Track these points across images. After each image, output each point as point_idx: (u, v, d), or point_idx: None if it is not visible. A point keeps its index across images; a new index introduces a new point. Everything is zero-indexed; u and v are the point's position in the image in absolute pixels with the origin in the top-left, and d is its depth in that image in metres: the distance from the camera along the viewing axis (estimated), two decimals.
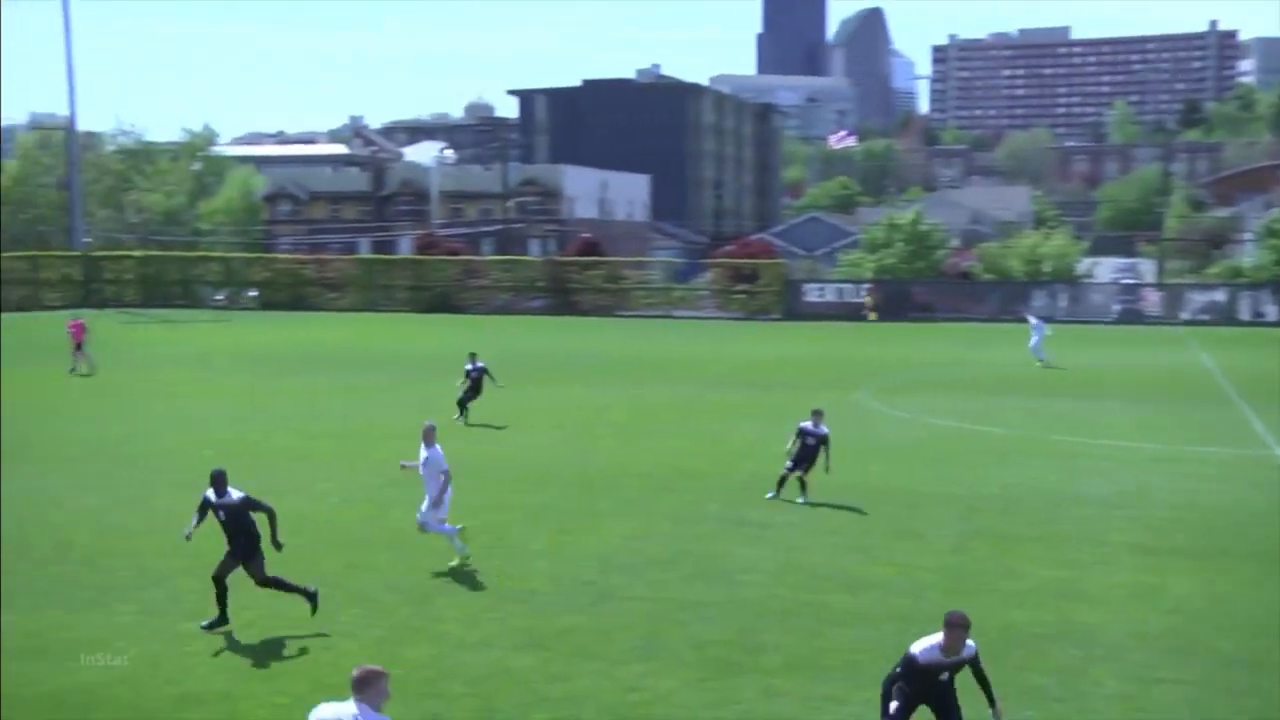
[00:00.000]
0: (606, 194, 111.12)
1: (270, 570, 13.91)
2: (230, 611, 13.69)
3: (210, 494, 13.62)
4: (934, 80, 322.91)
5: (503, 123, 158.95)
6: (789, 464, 20.09)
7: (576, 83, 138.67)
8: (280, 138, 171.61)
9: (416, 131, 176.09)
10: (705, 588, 15.35)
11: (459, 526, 16.60)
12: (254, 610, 14.25)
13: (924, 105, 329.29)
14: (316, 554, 16.77)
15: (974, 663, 9.40)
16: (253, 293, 75.40)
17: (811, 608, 14.53)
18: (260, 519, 13.71)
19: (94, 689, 11.84)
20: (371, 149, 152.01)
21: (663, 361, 43.11)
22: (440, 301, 70.81)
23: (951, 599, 14.20)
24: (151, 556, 16.71)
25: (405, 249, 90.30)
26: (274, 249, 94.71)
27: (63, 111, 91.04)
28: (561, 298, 70.18)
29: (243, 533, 13.65)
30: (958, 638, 9.19)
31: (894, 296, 65.41)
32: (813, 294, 67.60)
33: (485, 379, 29.46)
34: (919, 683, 9.25)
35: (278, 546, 13.86)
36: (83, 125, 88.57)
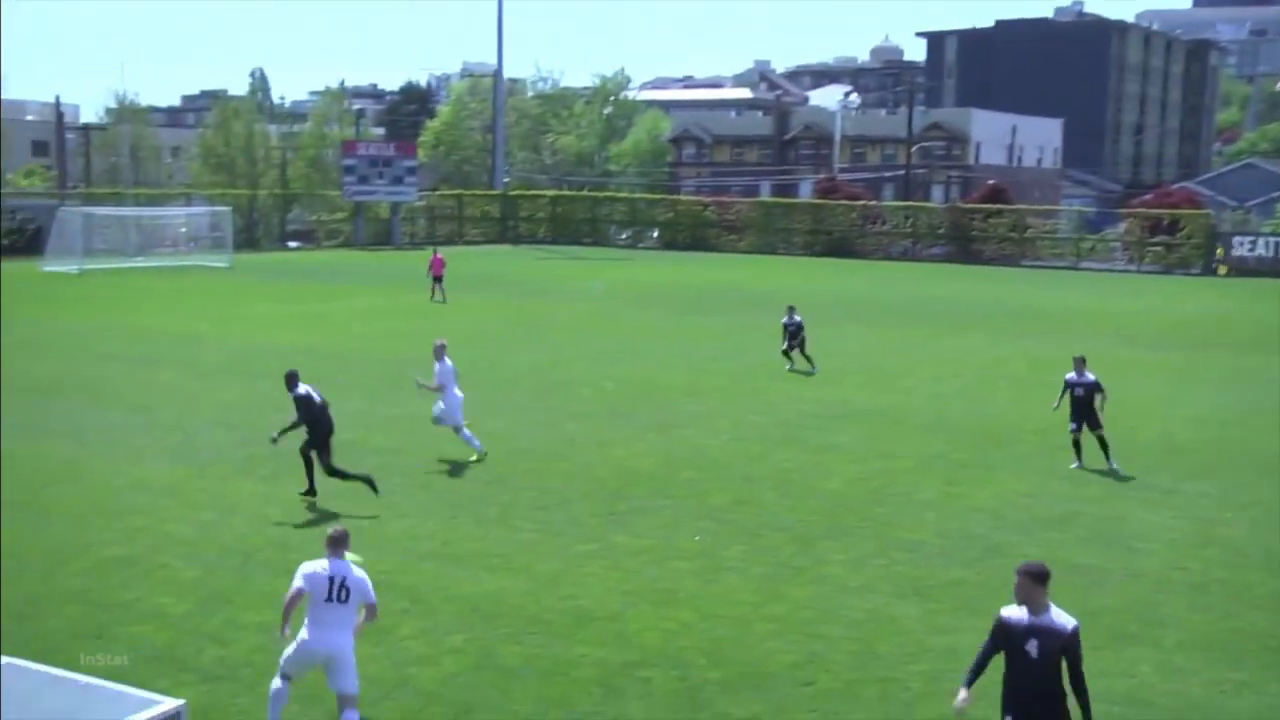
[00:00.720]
0: (1015, 139, 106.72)
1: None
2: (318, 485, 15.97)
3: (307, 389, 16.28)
4: None
5: (910, 66, 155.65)
6: (1071, 425, 18.74)
7: (989, 23, 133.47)
8: (687, 82, 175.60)
9: (821, 75, 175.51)
10: (1100, 552, 14.56)
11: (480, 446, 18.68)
12: (649, 539, 14.82)
13: None
14: (706, 488, 17.21)
15: (1070, 649, 7.82)
16: (655, 233, 77.98)
17: (1225, 585, 13.47)
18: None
19: (502, 597, 12.70)
20: (776, 93, 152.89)
21: (1068, 314, 41.09)
22: (839, 246, 70.56)
23: None
24: (554, 479, 17.70)
25: (806, 193, 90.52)
26: (677, 191, 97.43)
27: (491, 61, 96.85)
28: (963, 245, 68.24)
29: (317, 424, 16.10)
30: (1024, 589, 7.88)
31: None
32: (1242, 247, 62.26)
33: (803, 332, 28.11)
34: (1006, 651, 7.98)
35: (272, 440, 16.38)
36: (508, 73, 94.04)
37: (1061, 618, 7.90)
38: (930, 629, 11.99)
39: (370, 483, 16.16)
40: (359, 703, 9.22)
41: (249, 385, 24.80)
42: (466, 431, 18.87)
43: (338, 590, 9.06)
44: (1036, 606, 7.92)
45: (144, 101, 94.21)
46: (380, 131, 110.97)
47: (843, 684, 10.66)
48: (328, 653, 9.12)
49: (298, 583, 9.12)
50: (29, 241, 63.99)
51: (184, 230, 67.68)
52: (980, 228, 68.28)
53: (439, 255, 44.61)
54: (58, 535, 14.66)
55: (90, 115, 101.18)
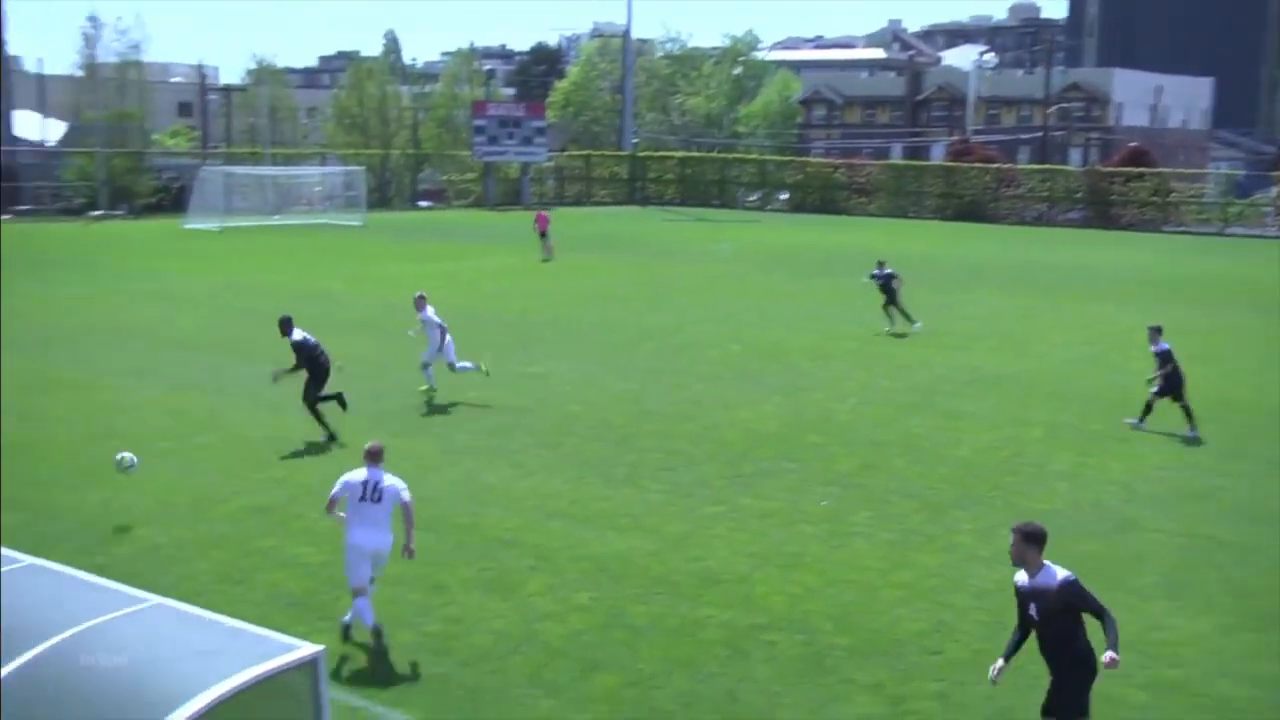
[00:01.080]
0: (1160, 99, 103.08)
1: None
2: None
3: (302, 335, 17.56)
4: None
5: (1049, 24, 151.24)
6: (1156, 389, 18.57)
7: None
8: (818, 42, 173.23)
9: (955, 35, 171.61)
10: (1247, 529, 14.08)
11: (476, 364, 20.49)
12: (775, 501, 14.77)
13: None
14: (833, 452, 17.08)
15: (1068, 602, 7.70)
16: (784, 195, 77.32)
17: None
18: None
19: (629, 556, 12.79)
20: (909, 53, 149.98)
21: (1211, 281, 39.68)
22: (970, 210, 69.13)
23: None
24: (680, 440, 17.72)
25: (938, 155, 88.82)
26: (807, 152, 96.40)
27: (621, 21, 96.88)
28: (1101, 210, 66.29)
29: (315, 365, 17.47)
30: (1016, 549, 7.90)
31: None
32: None
33: (895, 284, 27.56)
34: (1018, 615, 8.11)
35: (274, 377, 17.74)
36: (636, 34, 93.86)
37: (1050, 576, 7.84)
38: None
39: (340, 400, 17.89)
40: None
41: (381, 342, 25.30)
42: (430, 371, 20.33)
43: (371, 491, 10.48)
44: (1031, 567, 7.92)
45: (281, 63, 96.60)
46: (510, 92, 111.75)
47: (971, 654, 10.50)
48: (373, 549, 10.50)
49: (335, 489, 10.66)
50: (174, 200, 66.03)
51: (319, 189, 69.16)
52: (1120, 192, 66.22)
53: (544, 214, 46.49)
54: (202, 483, 15.17)
55: (231, 77, 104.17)
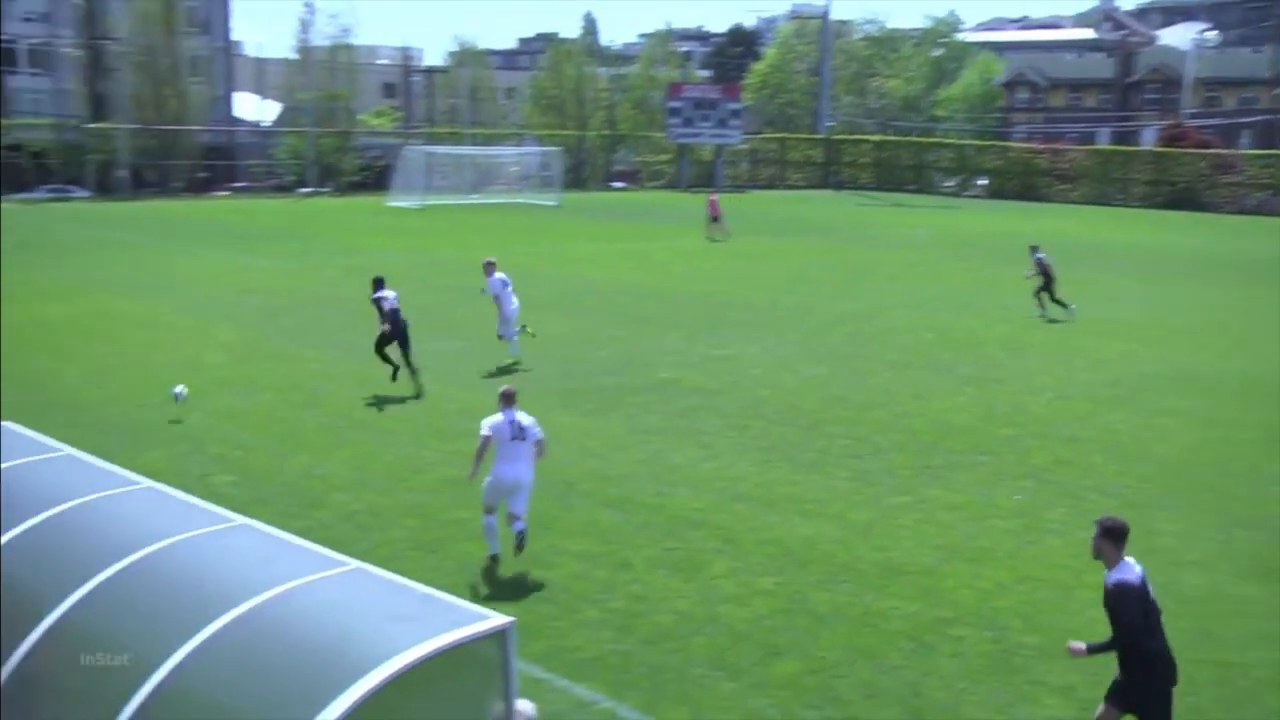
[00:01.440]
0: None
1: None
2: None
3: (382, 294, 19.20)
4: None
5: None
6: None
7: None
8: (1023, 23, 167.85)
9: (1173, 12, 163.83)
10: None
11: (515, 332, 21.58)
12: (965, 494, 14.44)
13: None
14: (1027, 446, 16.59)
15: (1107, 606, 7.84)
16: (983, 180, 75.39)
17: None
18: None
19: (814, 543, 12.68)
20: (1121, 33, 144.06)
21: None
22: (1183, 198, 66.16)
23: None
24: (868, 428, 17.47)
25: (1148, 140, 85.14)
26: (1008, 137, 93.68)
27: (819, 2, 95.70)
28: None
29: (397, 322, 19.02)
30: (1095, 544, 7.95)
31: None
32: None
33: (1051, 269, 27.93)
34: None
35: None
36: (835, 15, 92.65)
37: (1110, 574, 7.79)
38: (1276, 614, 11.13)
39: (394, 373, 19.11)
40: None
41: (573, 320, 25.67)
42: (514, 338, 21.16)
43: (516, 431, 11.65)
44: (1109, 562, 7.85)
45: (482, 45, 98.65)
46: (706, 74, 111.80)
47: None
48: (514, 481, 11.71)
49: (485, 432, 11.65)
50: (377, 178, 68.33)
51: (515, 169, 70.59)
52: None
53: (714, 197, 47.88)
54: (398, 454, 15.66)
55: (434, 59, 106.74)
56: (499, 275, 21.49)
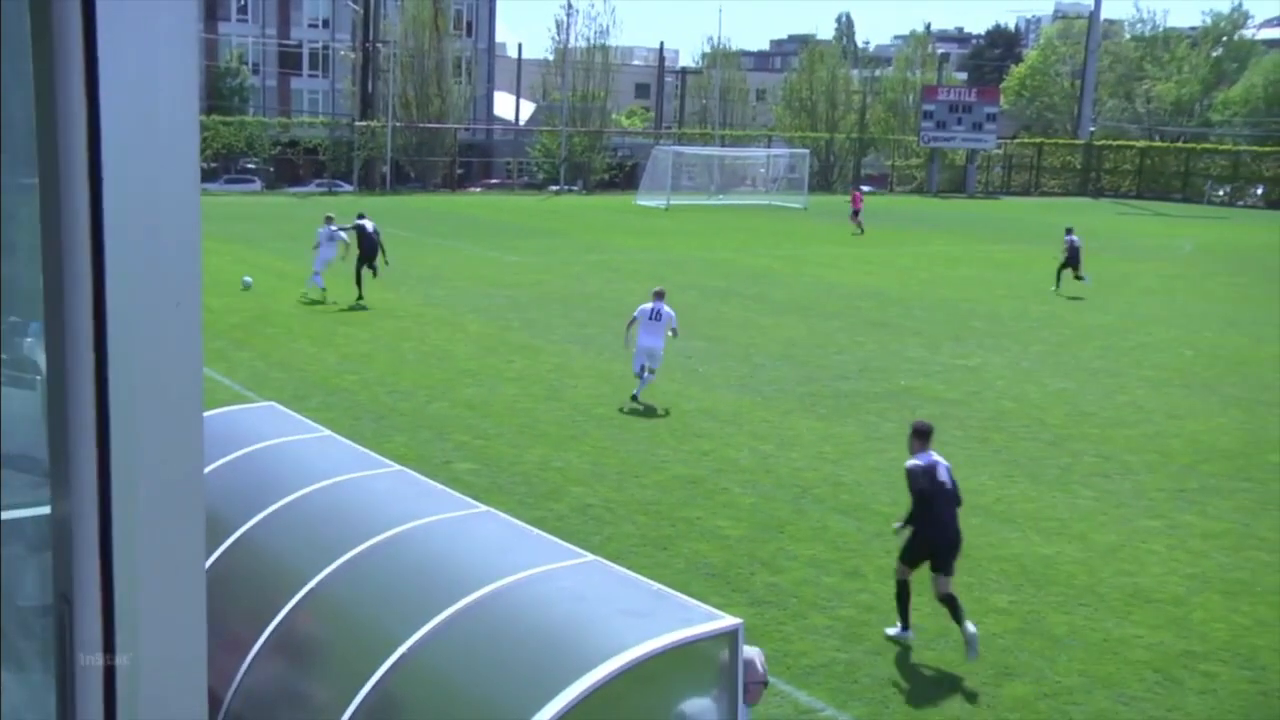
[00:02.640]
0: None
1: None
2: None
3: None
4: None
5: None
6: None
7: None
8: None
9: None
10: None
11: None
12: (1223, 522, 13.69)
13: None
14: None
15: None
16: (1260, 189, 71.05)
17: None
18: None
19: (1053, 562, 12.25)
20: None
21: None
22: None
23: None
24: (1117, 446, 16.75)
25: None
26: None
27: (1087, 3, 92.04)
28: None
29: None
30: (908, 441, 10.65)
31: None
32: None
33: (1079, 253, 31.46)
34: None
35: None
36: (1104, 14, 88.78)
37: None
38: None
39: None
40: None
41: (814, 324, 25.52)
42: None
43: (653, 314, 17.92)
44: (912, 452, 10.48)
45: (735, 46, 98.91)
46: (963, 76, 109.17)
47: None
48: (649, 348, 17.91)
49: (634, 314, 18.33)
50: (626, 177, 69.53)
51: (763, 171, 70.60)
52: None
53: (859, 192, 51.13)
54: (633, 449, 15.92)
55: (687, 60, 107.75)
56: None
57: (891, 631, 10.36)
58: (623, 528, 12.97)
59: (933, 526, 10.02)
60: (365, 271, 26.27)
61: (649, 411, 17.94)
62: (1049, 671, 9.87)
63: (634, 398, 18.05)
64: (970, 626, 9.82)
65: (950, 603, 9.98)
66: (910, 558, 10.20)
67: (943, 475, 10.16)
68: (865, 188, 53.94)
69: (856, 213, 47.81)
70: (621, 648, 5.60)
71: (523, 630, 6.18)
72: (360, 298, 26.23)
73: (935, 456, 10.26)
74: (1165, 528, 13.44)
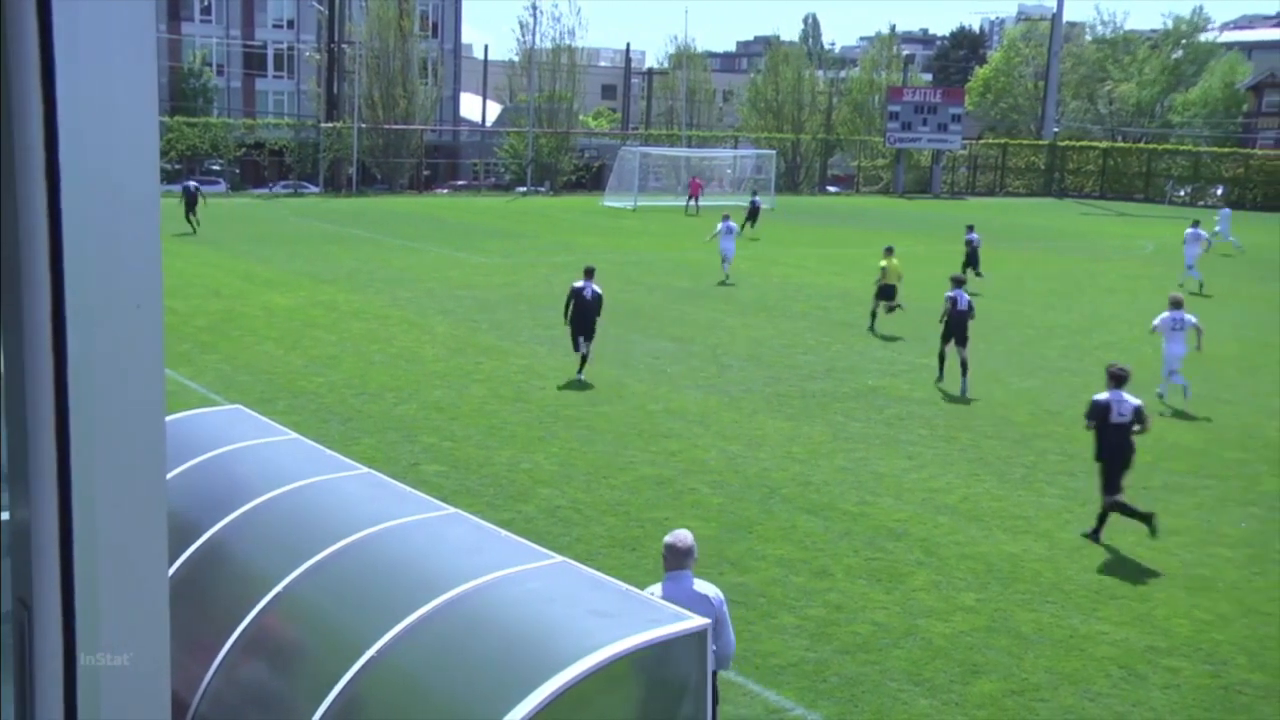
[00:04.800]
0: None
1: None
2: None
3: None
4: None
5: None
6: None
7: None
8: None
9: None
10: None
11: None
12: (1186, 519, 13.82)
13: None
14: (1256, 471, 15.81)
15: None
16: (1220, 190, 71.79)
17: None
18: None
19: (1020, 560, 12.33)
20: None
21: None
22: None
23: None
24: (1083, 444, 16.80)
25: None
26: (1251, 144, 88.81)
27: (1049, 3, 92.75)
28: None
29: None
30: None
31: None
32: None
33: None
34: None
35: None
36: (1066, 17, 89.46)
37: None
38: None
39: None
40: None
41: (781, 324, 25.58)
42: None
43: (1176, 324, 18.77)
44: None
45: (701, 47, 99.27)
46: (928, 77, 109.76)
47: None
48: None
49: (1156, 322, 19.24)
50: (593, 178, 69.52)
51: (730, 172, 70.72)
52: None
53: (697, 180, 59.44)
54: (601, 451, 15.92)
55: (653, 61, 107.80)
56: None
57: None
58: (591, 529, 12.96)
59: (1104, 450, 12.84)
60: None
61: (617, 413, 17.93)
62: (1016, 669, 9.93)
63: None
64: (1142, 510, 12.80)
65: (1120, 508, 12.75)
66: (1105, 484, 12.85)
67: (1119, 411, 12.70)
68: (700, 181, 61.09)
69: (695, 198, 56.88)
70: (590, 649, 5.60)
71: (491, 632, 6.17)
72: None
73: (1124, 395, 12.78)
74: (1129, 525, 13.53)
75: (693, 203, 57.41)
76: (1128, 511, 12.83)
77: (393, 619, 6.08)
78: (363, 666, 5.94)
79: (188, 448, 8.25)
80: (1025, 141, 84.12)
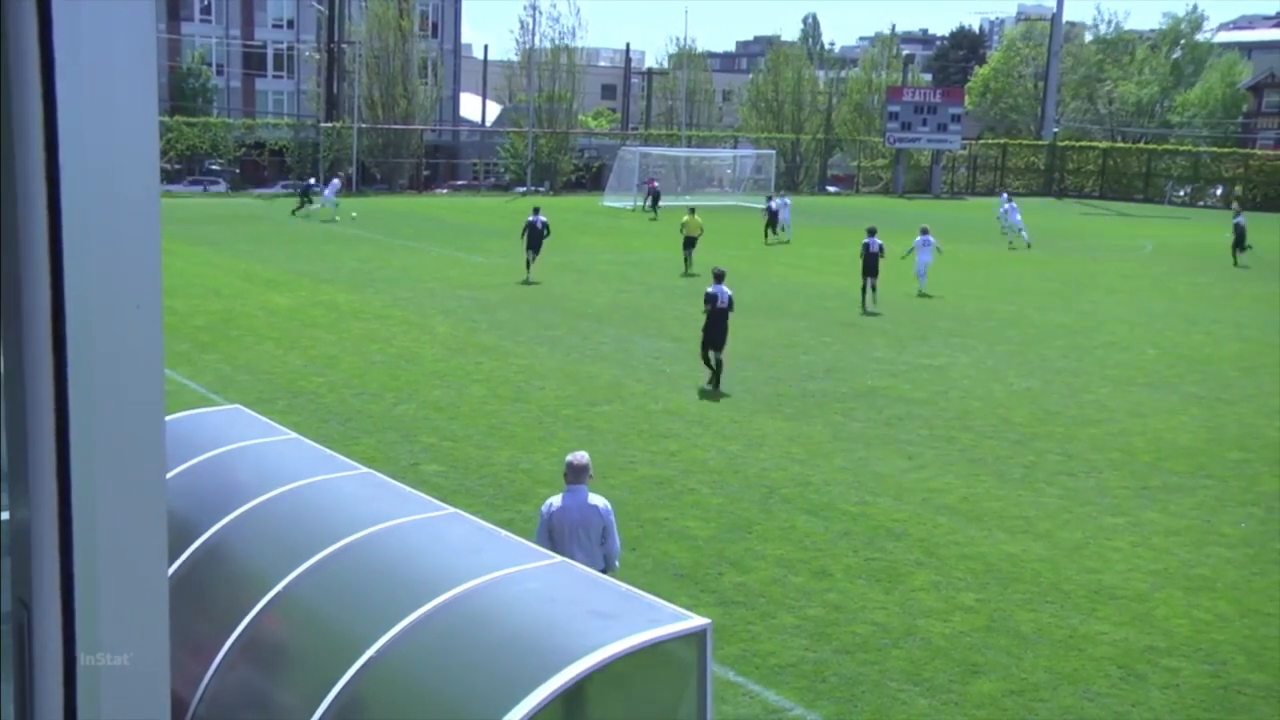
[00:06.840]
0: None
1: None
2: None
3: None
4: None
5: None
6: None
7: None
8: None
9: None
10: None
11: None
12: (1185, 519, 13.83)
13: None
14: (1257, 471, 15.77)
15: None
16: (1219, 190, 71.82)
17: None
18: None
19: (1019, 560, 12.33)
20: None
21: None
22: None
23: None
24: (1082, 445, 16.88)
25: None
26: (1251, 144, 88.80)
27: (1049, 3, 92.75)
28: None
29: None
30: None
31: None
32: None
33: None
34: None
35: None
36: (1066, 17, 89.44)
37: None
38: None
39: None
40: None
41: (781, 324, 25.58)
42: None
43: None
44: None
45: (701, 47, 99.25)
46: (928, 78, 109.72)
47: None
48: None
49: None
50: (593, 177, 69.51)
51: (730, 171, 70.73)
52: None
53: (652, 180, 57.89)
54: (601, 451, 15.91)
55: (653, 61, 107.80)
56: None
57: None
58: None
59: None
60: None
61: (617, 413, 17.93)
62: (1015, 668, 9.93)
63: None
64: None
65: None
66: None
67: None
68: (656, 183, 59.05)
69: (655, 196, 55.77)
70: (590, 649, 5.60)
71: (491, 632, 6.17)
72: None
73: None
74: (1128, 525, 13.56)
75: (647, 203, 55.92)
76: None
77: (392, 619, 6.08)
78: (362, 666, 5.94)
79: (187, 448, 8.25)
80: (1025, 141, 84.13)
